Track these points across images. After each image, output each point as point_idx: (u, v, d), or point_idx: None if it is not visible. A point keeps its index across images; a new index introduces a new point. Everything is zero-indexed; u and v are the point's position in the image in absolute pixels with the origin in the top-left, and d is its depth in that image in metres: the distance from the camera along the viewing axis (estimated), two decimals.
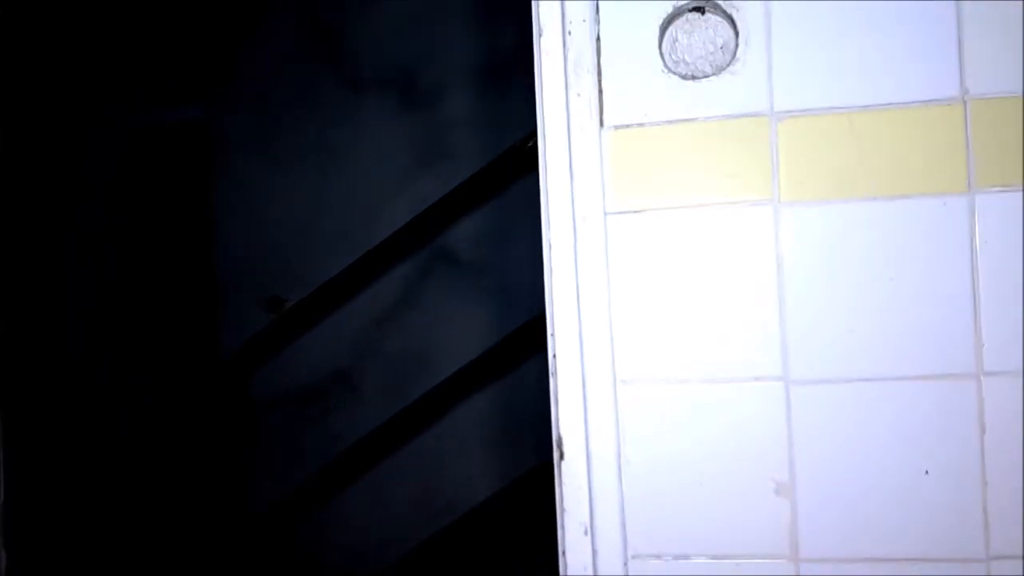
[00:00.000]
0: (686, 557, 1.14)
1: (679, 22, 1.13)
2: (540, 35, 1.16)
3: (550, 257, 1.17)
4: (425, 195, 2.77)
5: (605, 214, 1.14)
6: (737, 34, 1.11)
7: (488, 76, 2.89)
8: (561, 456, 1.18)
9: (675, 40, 1.12)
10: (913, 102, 1.07)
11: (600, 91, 1.14)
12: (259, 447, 2.90)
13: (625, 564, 1.15)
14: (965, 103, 1.06)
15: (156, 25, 3.06)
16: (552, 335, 1.18)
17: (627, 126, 1.13)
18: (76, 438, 3.10)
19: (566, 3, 1.15)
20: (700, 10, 1.12)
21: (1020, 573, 1.06)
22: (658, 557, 1.15)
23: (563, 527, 1.19)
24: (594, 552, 1.16)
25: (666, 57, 1.12)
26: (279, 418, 2.91)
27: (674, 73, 1.12)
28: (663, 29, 1.13)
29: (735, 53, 1.10)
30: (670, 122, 1.12)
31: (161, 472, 3.08)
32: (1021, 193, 1.05)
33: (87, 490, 3.09)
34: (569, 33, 1.15)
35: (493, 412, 2.81)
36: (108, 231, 3.21)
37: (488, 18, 2.87)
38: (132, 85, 3.19)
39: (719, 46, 1.11)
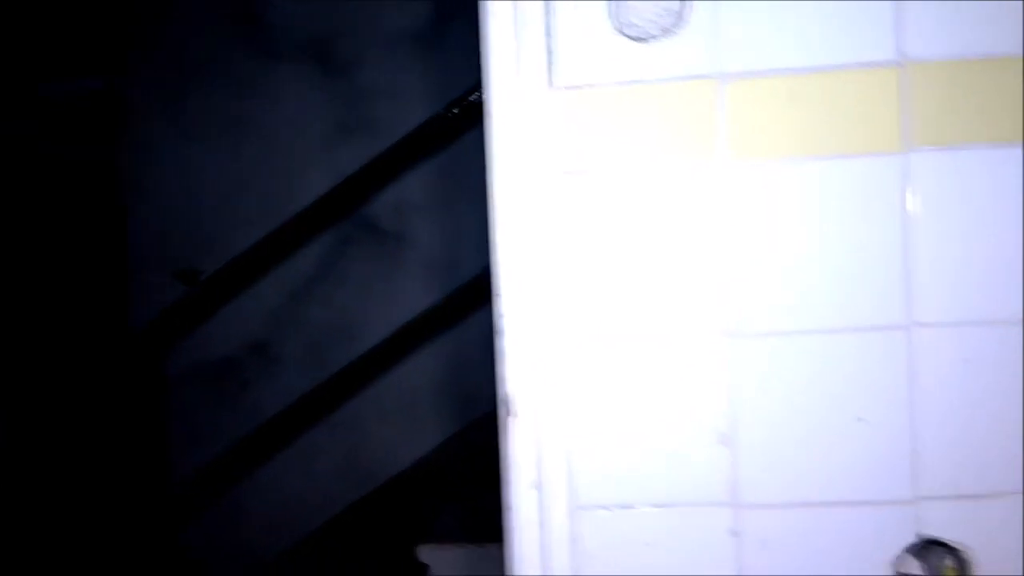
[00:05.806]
0: (631, 507, 1.18)
1: None
2: None
3: (499, 217, 1.18)
4: (344, 165, 2.75)
5: (555, 173, 1.15)
6: None
7: (406, 46, 2.88)
8: (509, 413, 1.20)
9: (623, 2, 1.14)
10: (850, 65, 1.12)
11: (550, 51, 1.15)
12: (174, 422, 2.84)
13: (571, 516, 1.18)
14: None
15: None
16: (499, 295, 1.19)
17: (578, 87, 1.15)
18: None
19: None
20: None
21: (946, 512, 1.13)
22: (604, 508, 1.18)
23: (510, 483, 1.21)
24: (541, 506, 1.19)
25: (615, 19, 1.14)
26: (195, 392, 2.85)
27: (624, 35, 1.14)
28: None
29: (681, 16, 1.13)
30: (620, 84, 1.14)
31: (75, 454, 2.98)
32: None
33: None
34: None
35: (424, 378, 2.80)
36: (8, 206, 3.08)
37: None
38: (30, 55, 3.06)
39: (665, 8, 1.13)
